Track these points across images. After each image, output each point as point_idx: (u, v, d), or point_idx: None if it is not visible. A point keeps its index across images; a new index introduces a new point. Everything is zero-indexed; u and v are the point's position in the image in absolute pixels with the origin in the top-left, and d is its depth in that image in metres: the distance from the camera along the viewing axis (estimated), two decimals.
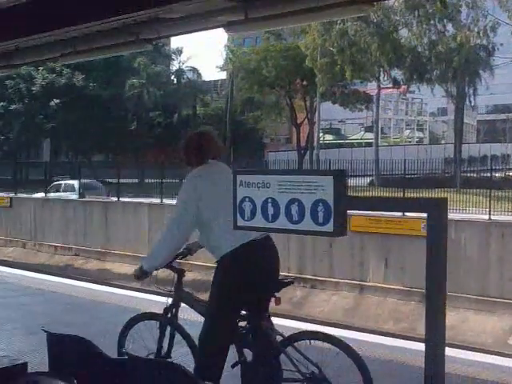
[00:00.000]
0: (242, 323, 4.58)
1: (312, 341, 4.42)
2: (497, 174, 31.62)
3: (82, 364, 3.36)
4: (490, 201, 20.69)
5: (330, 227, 2.37)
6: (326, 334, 4.55)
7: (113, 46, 7.52)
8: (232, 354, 4.56)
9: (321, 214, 2.38)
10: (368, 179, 34.49)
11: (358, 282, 21.13)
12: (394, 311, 19.70)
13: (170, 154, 44.21)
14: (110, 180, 38.40)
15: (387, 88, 45.99)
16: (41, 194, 32.88)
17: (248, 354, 4.57)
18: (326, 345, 4.36)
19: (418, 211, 2.33)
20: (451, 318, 18.41)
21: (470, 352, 7.39)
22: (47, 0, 6.33)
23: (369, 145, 59.26)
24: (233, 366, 4.55)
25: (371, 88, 48.27)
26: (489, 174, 25.63)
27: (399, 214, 20.12)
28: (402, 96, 65.90)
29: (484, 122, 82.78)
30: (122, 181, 32.17)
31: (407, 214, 20.96)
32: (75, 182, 33.13)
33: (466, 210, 20.84)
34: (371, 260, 21.20)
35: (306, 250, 22.36)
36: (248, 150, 50.65)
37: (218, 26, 6.71)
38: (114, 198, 30.45)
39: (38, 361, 4.75)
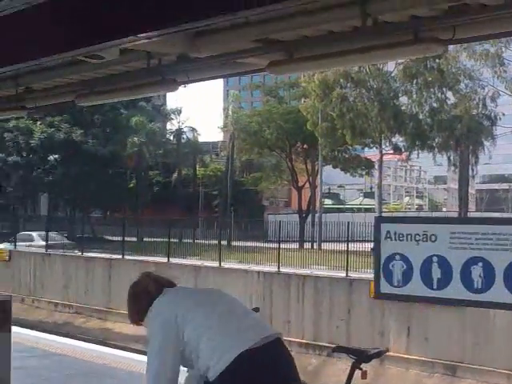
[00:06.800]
0: None
1: None
2: None
3: None
4: None
5: None
6: None
7: (134, 87, 6.90)
8: None
9: None
10: (370, 244, 33.70)
11: None
12: (417, 383, 18.76)
13: (168, 213, 43.64)
14: (107, 237, 37.74)
15: (388, 154, 45.85)
16: None
17: None
18: None
19: None
20: None
21: None
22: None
23: (368, 210, 58.81)
24: None
25: (370, 154, 48.18)
26: None
27: None
28: (402, 163, 65.85)
29: (482, 191, 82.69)
30: (121, 239, 31.66)
31: None
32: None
33: None
34: (392, 328, 20.37)
35: (321, 316, 21.66)
36: (247, 212, 50.07)
37: (258, 69, 6.10)
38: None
39: None
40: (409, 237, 1.95)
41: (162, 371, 3.63)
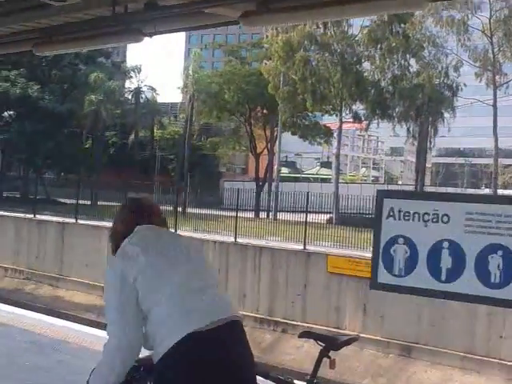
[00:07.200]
0: None
1: None
2: None
3: None
4: None
5: None
6: None
7: (97, 36, 6.42)
8: None
9: None
10: (325, 216, 33.24)
11: (333, 329, 19.36)
12: (372, 364, 18.31)
13: (124, 176, 42.87)
14: (61, 199, 36.91)
15: (347, 122, 45.50)
16: None
17: None
18: None
19: None
20: None
21: None
22: None
23: (324, 180, 58.81)
24: None
25: (330, 122, 47.77)
26: None
27: None
28: (360, 132, 65.66)
29: (438, 164, 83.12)
30: (75, 201, 30.93)
31: None
32: None
33: None
34: (348, 305, 19.97)
35: (277, 290, 21.22)
36: (203, 178, 49.51)
37: (229, 22, 5.68)
38: None
39: None
40: (416, 216, 1.59)
41: (123, 334, 3.12)
